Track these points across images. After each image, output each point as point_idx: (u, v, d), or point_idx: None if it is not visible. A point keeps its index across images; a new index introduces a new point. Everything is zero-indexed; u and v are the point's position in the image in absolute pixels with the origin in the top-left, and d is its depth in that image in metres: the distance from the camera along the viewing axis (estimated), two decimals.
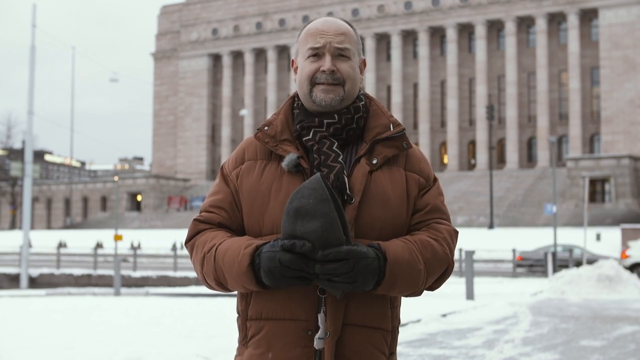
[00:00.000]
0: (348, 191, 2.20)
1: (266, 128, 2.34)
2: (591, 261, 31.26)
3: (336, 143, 2.27)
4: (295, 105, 2.38)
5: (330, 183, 2.19)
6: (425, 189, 2.33)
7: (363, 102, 2.37)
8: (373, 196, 2.23)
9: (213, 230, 2.29)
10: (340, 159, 2.24)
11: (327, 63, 2.28)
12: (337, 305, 2.15)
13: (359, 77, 2.36)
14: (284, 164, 2.24)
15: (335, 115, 2.29)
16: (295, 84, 2.39)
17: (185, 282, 31.16)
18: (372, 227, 2.20)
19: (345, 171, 2.23)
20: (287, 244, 2.05)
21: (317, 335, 2.15)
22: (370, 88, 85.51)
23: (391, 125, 2.33)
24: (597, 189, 65.78)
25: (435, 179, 2.38)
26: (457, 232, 2.33)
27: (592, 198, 64.00)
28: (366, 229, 2.20)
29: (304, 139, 2.29)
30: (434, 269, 2.21)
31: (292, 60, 2.43)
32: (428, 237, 2.23)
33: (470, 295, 19.61)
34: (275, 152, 2.28)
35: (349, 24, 2.37)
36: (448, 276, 2.29)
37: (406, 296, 2.24)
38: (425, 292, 2.28)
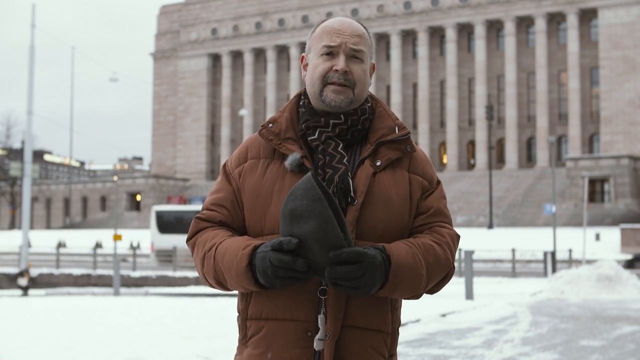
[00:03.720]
0: (352, 193, 2.19)
1: (270, 125, 2.31)
2: None
3: (341, 144, 2.26)
4: (301, 103, 2.36)
5: (334, 185, 2.17)
6: (428, 191, 2.32)
7: (369, 104, 2.36)
8: (376, 198, 2.22)
9: (214, 229, 2.28)
10: (345, 161, 2.21)
11: (340, 63, 2.26)
12: (337, 307, 2.15)
13: (368, 81, 2.34)
14: (286, 163, 2.23)
15: (342, 116, 2.27)
16: (304, 81, 2.35)
17: (184, 282, 31.14)
18: (375, 229, 2.20)
19: (349, 173, 2.21)
20: (275, 243, 2.04)
21: (316, 337, 2.14)
22: (369, 88, 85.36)
23: (396, 128, 2.32)
24: (596, 189, 65.76)
25: (439, 182, 2.37)
26: (459, 237, 2.32)
27: (592, 198, 64.00)
28: (368, 231, 2.19)
29: (309, 138, 2.26)
30: (436, 274, 2.21)
31: (302, 57, 2.40)
32: (431, 240, 2.22)
33: (469, 295, 19.62)
34: (279, 150, 2.26)
35: (364, 27, 2.35)
36: (448, 280, 2.29)
37: (406, 299, 2.24)
38: (424, 294, 2.27)
